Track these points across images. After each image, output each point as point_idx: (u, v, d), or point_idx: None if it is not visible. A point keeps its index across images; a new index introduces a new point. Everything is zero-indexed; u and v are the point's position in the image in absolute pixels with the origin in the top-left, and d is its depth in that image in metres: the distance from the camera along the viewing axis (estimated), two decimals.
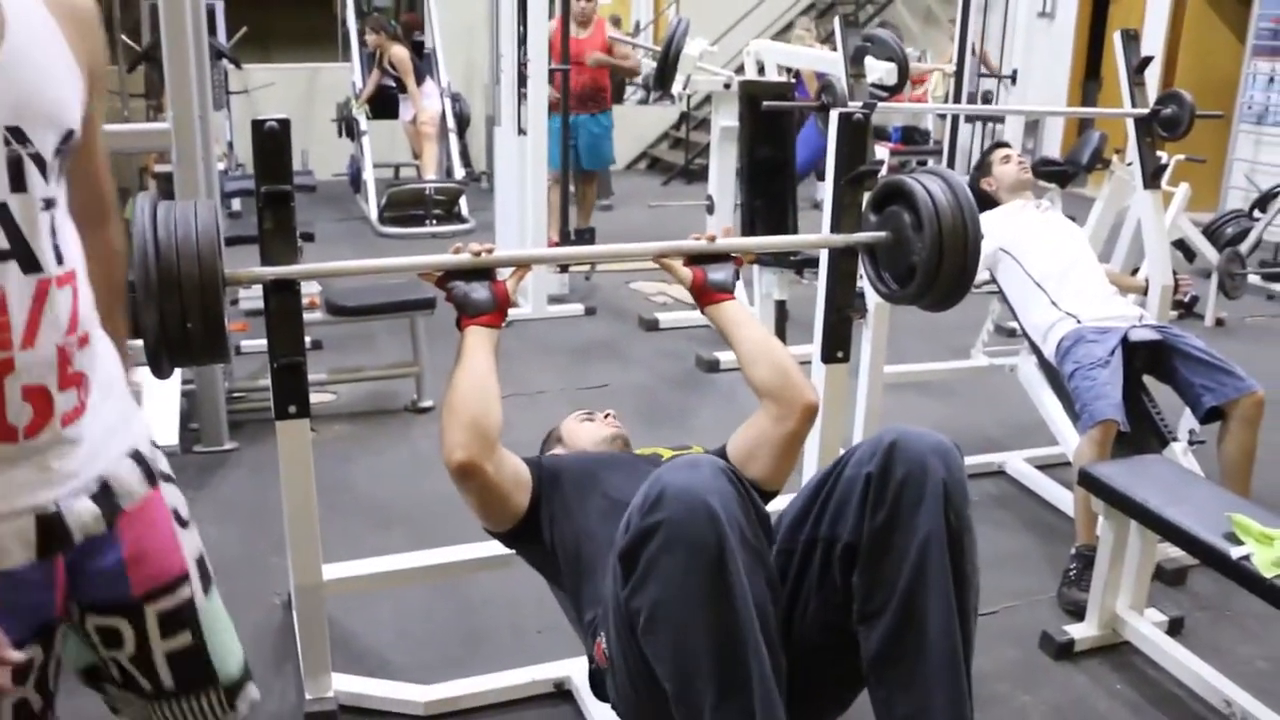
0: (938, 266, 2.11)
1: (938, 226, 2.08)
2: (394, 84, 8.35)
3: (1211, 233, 6.16)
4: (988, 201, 3.72)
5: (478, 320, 1.94)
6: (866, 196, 2.40)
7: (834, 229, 2.41)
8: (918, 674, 1.65)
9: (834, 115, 2.46)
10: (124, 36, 5.94)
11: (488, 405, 1.87)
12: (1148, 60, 3.66)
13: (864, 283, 2.55)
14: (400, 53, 8.20)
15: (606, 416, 2.38)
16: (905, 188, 2.18)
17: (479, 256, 1.95)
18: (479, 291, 1.94)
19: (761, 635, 1.52)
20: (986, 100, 8.51)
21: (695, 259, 2.14)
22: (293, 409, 2.06)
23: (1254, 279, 6.04)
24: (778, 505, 2.01)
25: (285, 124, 1.96)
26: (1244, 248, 5.94)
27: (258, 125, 1.94)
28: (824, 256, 2.52)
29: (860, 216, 2.42)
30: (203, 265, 1.66)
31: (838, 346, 2.48)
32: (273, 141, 1.95)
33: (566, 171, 6.09)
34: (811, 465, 2.65)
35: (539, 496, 2.01)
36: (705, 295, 2.12)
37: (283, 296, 1.97)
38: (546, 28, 5.52)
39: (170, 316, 1.64)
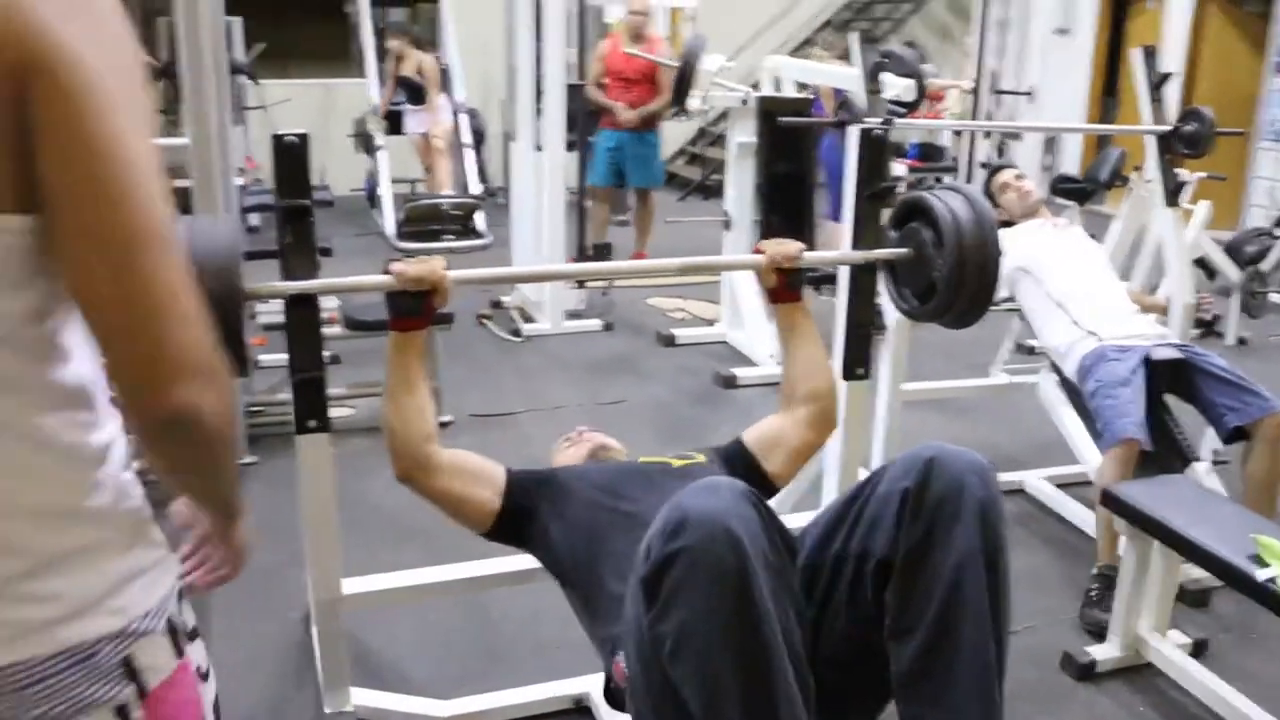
0: (958, 283, 2.11)
1: (958, 243, 2.09)
2: (401, 98, 8.33)
3: (1233, 251, 6.12)
4: (1004, 227, 3.72)
5: (405, 324, 2.03)
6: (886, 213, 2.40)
7: (855, 245, 2.41)
8: (949, 691, 1.65)
9: (853, 131, 2.45)
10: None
11: (407, 421, 2.01)
12: (1167, 77, 3.65)
13: (882, 299, 2.55)
14: (430, 61, 8.24)
15: (580, 434, 2.44)
16: (926, 204, 2.18)
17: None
18: (404, 295, 2.00)
19: (788, 657, 1.51)
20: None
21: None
22: (313, 423, 2.06)
23: (1276, 297, 6.00)
24: (799, 522, 2.00)
25: (304, 138, 1.97)
26: (1266, 266, 5.90)
27: (277, 139, 1.95)
28: (844, 273, 2.51)
29: (880, 232, 2.42)
30: (223, 280, 1.66)
31: (858, 363, 2.48)
32: (292, 156, 1.95)
33: (583, 189, 6.10)
34: (831, 481, 2.64)
35: (534, 505, 2.09)
36: (785, 295, 2.25)
37: (302, 311, 1.98)
38: (562, 45, 5.52)
39: None
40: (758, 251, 2.25)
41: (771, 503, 2.30)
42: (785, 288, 2.23)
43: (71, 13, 0.79)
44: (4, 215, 0.80)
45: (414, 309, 2.00)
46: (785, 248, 2.21)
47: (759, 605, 1.48)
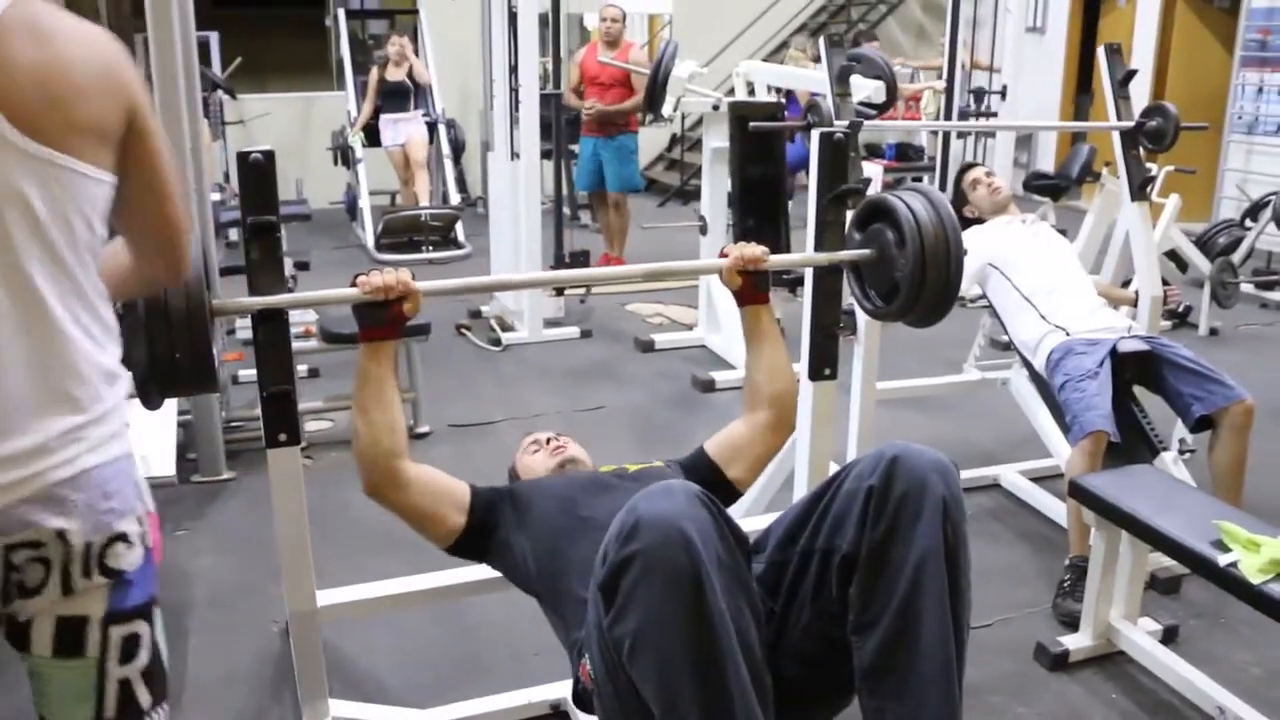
0: (921, 282, 2.13)
1: (920, 243, 2.11)
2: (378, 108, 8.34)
3: (1204, 243, 6.17)
4: (974, 224, 3.76)
5: (371, 334, 2.06)
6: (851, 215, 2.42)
7: (817, 248, 2.44)
8: (911, 684, 1.67)
9: (815, 135, 2.48)
10: None
11: (376, 435, 2.06)
12: (1132, 73, 3.69)
13: (853, 300, 2.57)
14: (420, 65, 8.28)
15: (550, 441, 2.43)
16: (887, 205, 2.20)
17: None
18: (372, 305, 2.01)
19: (743, 656, 1.54)
20: (981, 98, 8.56)
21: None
22: (283, 436, 2.08)
23: (1247, 288, 6.06)
24: (760, 522, 2.03)
25: (270, 155, 1.99)
26: (1236, 257, 5.96)
27: (243, 157, 1.97)
28: (809, 275, 2.54)
29: (844, 235, 2.44)
30: (189, 297, 1.69)
31: (825, 364, 2.50)
32: (258, 173, 1.97)
33: (560, 196, 6.12)
34: (800, 481, 2.67)
35: (496, 520, 2.13)
36: (751, 297, 2.27)
37: (271, 326, 2.00)
38: (537, 55, 5.56)
39: (159, 348, 1.68)
40: (723, 255, 2.28)
41: (746, 502, 2.36)
42: (751, 289, 2.26)
43: (136, 76, 1.33)
44: (109, 173, 1.31)
45: (380, 319, 2.02)
46: (749, 250, 2.23)
47: (713, 606, 1.51)
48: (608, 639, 1.59)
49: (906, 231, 2.14)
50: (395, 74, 8.17)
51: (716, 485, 2.18)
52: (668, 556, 1.50)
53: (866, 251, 2.28)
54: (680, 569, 1.50)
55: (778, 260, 2.30)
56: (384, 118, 8.21)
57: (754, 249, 2.23)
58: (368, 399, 2.05)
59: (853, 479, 1.78)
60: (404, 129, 8.20)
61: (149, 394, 1.75)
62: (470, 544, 2.15)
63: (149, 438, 3.38)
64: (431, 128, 8.38)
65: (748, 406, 2.29)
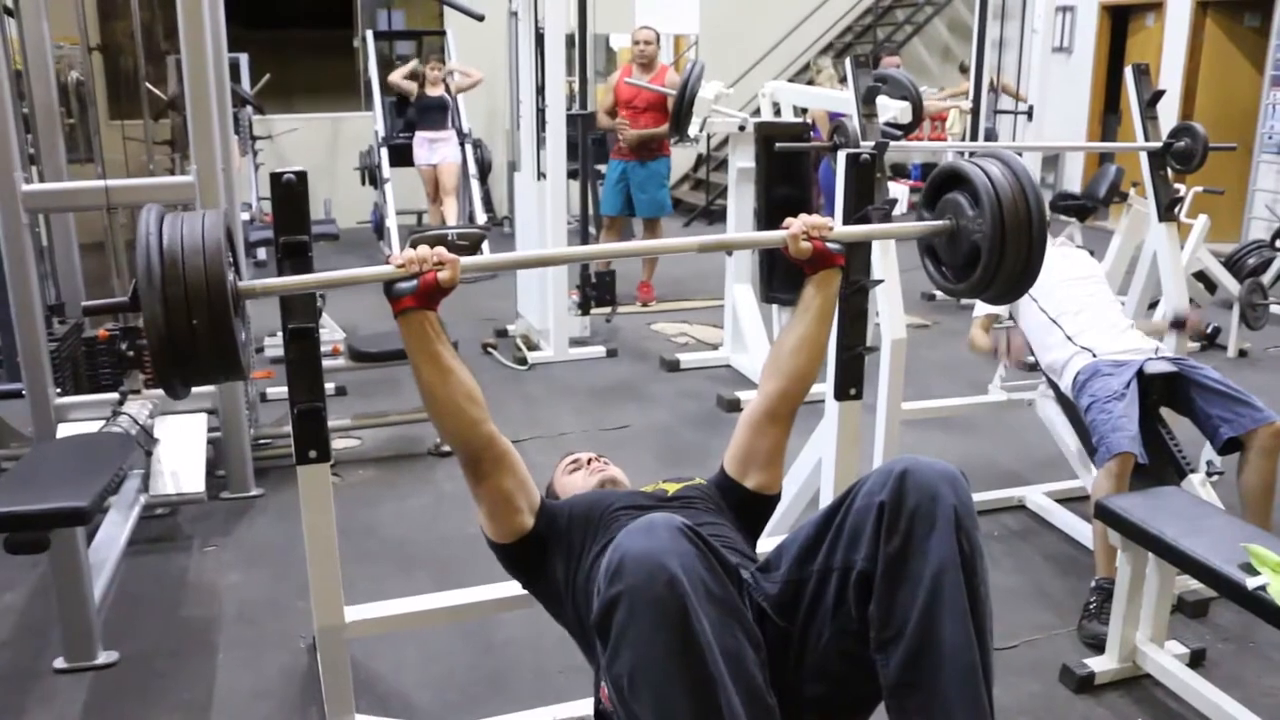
0: (1001, 246, 2.01)
1: (998, 205, 2.00)
2: (408, 131, 8.42)
3: (1233, 264, 6.14)
4: None
5: (400, 304, 1.92)
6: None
7: (846, 267, 2.43)
8: (938, 696, 1.66)
9: (841, 156, 2.49)
10: (149, 85, 6.06)
11: (456, 410, 1.96)
12: (1160, 94, 3.68)
13: (877, 319, 2.57)
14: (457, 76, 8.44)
15: (591, 462, 2.43)
16: (955, 170, 2.08)
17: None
18: (405, 280, 1.91)
19: (741, 685, 1.55)
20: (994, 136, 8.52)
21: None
22: (313, 453, 2.10)
23: (1276, 309, 6.01)
24: (773, 541, 2.03)
25: (302, 176, 2.01)
26: (1266, 278, 5.92)
27: (276, 178, 1.99)
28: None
29: (870, 253, 2.45)
30: (208, 274, 1.63)
31: (850, 384, 2.50)
32: (290, 193, 2.00)
33: (585, 217, 6.16)
34: (826, 501, 2.67)
35: (547, 534, 2.10)
36: (827, 259, 2.14)
37: (302, 343, 2.02)
38: (563, 75, 5.60)
39: (175, 316, 1.60)
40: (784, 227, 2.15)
41: (771, 523, 2.34)
42: (825, 250, 2.12)
43: None
44: None
45: (411, 287, 1.90)
46: (816, 219, 2.13)
47: (702, 640, 1.52)
48: (608, 676, 1.60)
49: (982, 194, 2.02)
50: (434, 90, 8.25)
51: (747, 499, 2.19)
52: (653, 595, 1.51)
53: (943, 222, 2.16)
54: (666, 607, 1.51)
55: (843, 232, 2.21)
56: (419, 135, 8.28)
57: (820, 217, 2.14)
58: (430, 378, 1.95)
59: (863, 495, 1.77)
60: (439, 150, 8.27)
61: (167, 372, 1.64)
62: (527, 549, 2.10)
63: (179, 454, 3.42)
64: (460, 143, 8.45)
65: (768, 376, 2.23)
